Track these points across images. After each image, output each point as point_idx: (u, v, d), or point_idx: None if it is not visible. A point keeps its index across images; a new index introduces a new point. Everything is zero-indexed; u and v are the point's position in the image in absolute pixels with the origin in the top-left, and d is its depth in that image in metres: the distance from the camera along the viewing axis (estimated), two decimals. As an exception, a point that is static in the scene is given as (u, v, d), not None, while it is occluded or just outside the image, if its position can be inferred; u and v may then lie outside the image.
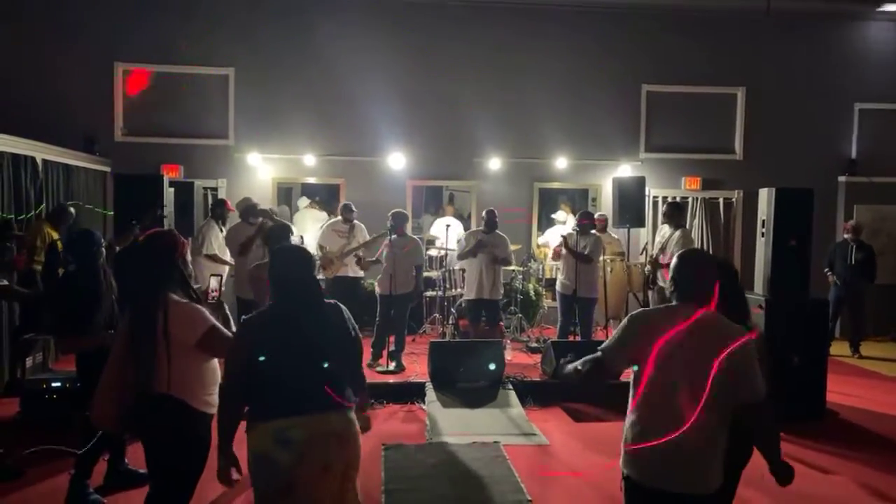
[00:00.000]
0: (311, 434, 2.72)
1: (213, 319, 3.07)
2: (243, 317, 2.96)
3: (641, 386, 2.60)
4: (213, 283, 7.47)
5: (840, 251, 8.97)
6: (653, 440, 2.55)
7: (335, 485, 2.78)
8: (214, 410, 2.99)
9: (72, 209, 7.20)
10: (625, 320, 2.70)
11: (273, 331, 2.83)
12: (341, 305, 3.01)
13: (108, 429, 3.42)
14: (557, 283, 8.09)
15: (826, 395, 6.31)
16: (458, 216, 10.15)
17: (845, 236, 9.00)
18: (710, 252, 10.13)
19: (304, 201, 9.94)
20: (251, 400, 2.80)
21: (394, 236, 7.38)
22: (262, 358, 2.76)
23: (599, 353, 2.71)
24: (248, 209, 7.23)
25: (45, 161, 7.52)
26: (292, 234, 5.53)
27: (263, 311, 2.93)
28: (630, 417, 2.65)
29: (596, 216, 8.73)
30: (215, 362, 3.16)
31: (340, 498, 2.81)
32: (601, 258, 8.11)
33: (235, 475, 2.86)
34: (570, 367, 2.82)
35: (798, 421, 5.90)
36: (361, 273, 8.11)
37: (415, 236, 7.90)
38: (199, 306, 3.11)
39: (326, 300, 2.99)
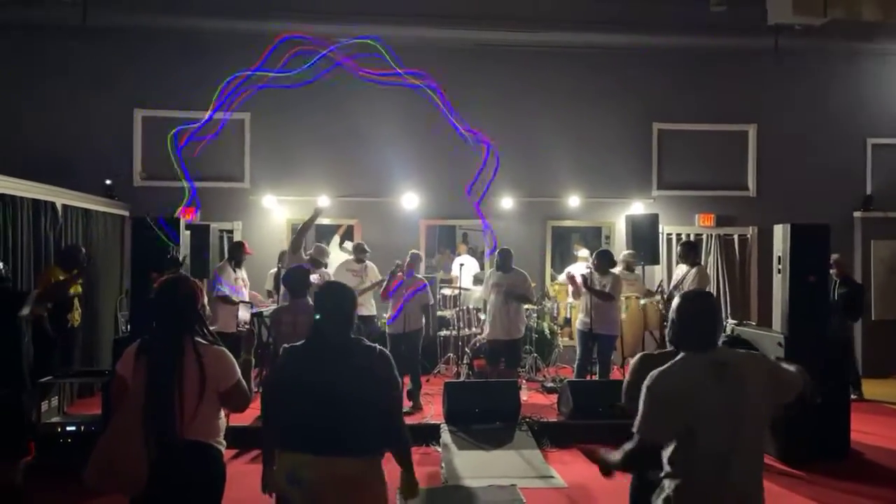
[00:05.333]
0: (321, 476, 2.67)
1: (239, 373, 3.02)
2: (285, 345, 2.98)
3: (680, 446, 2.48)
4: (244, 313, 7.54)
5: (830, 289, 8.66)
6: (707, 492, 2.43)
7: None
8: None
9: (83, 249, 7.18)
10: (644, 391, 2.51)
11: (301, 365, 2.84)
12: (384, 352, 2.89)
13: (106, 489, 3.10)
14: (578, 320, 7.99)
15: (850, 434, 6.18)
16: (472, 253, 10.15)
17: (831, 272, 8.68)
18: (727, 289, 10.09)
19: (348, 245, 9.40)
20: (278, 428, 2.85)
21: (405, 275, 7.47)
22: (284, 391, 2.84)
23: (637, 437, 2.53)
24: (320, 251, 8.01)
25: (64, 206, 7.64)
26: (310, 274, 5.61)
27: (300, 345, 2.90)
28: (673, 479, 2.49)
29: (622, 255, 8.79)
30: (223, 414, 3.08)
31: None
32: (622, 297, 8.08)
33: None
34: (616, 458, 2.63)
35: (821, 461, 5.77)
36: (374, 311, 8.12)
37: (420, 276, 7.86)
38: (230, 354, 3.05)
39: (368, 344, 2.89)
